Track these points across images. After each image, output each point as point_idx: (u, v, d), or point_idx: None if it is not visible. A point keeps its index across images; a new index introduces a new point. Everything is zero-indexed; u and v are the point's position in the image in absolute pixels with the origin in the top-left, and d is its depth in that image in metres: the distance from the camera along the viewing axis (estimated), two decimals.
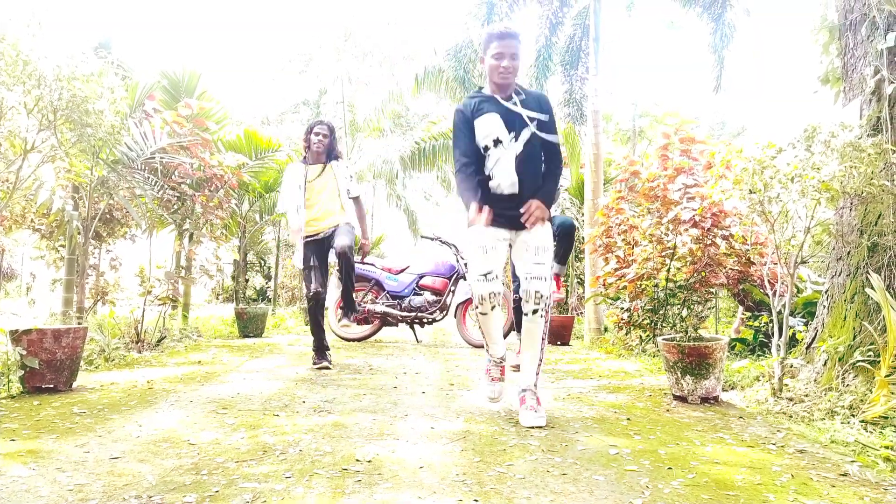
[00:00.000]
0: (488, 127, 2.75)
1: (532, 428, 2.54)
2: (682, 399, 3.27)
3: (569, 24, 9.93)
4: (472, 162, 2.79)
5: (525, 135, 2.76)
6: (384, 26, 20.32)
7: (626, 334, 5.69)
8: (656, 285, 5.04)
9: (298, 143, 13.53)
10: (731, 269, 4.88)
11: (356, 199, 4.60)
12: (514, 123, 2.75)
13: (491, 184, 2.77)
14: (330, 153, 4.47)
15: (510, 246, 2.85)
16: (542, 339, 2.70)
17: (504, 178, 2.74)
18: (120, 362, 4.32)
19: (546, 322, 2.67)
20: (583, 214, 8.64)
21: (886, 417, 2.53)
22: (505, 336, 6.06)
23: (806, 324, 4.36)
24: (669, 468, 2.04)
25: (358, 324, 4.85)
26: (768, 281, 3.57)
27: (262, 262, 14.81)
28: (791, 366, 3.29)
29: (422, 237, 6.99)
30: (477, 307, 2.70)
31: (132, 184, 5.01)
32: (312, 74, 20.55)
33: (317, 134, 4.40)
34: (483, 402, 3.12)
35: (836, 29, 3.79)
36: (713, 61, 9.34)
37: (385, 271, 6.69)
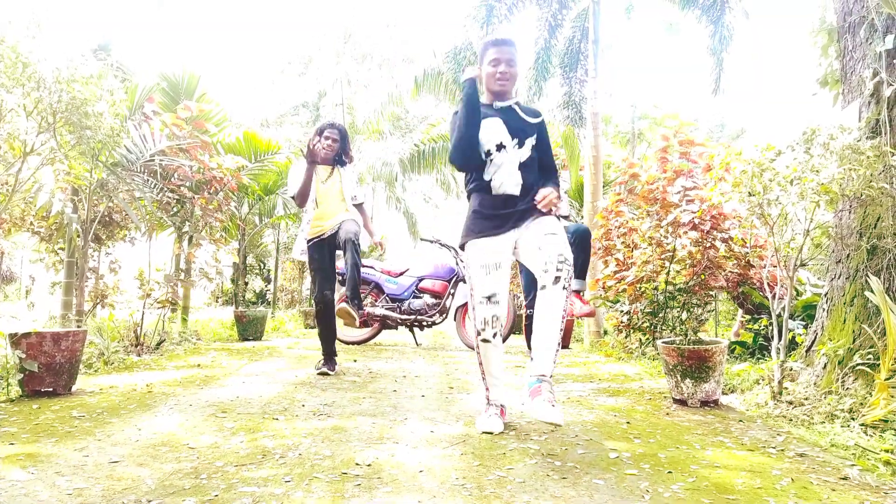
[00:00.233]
0: (491, 131, 2.67)
1: (549, 424, 2.26)
2: (681, 402, 3.27)
3: (568, 27, 9.94)
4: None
5: (529, 143, 2.69)
6: (383, 28, 20.35)
7: (626, 337, 5.68)
8: (656, 288, 5.04)
9: (298, 145, 13.54)
10: (730, 271, 4.87)
11: (360, 206, 4.48)
12: (518, 129, 2.68)
13: (493, 184, 2.67)
14: (339, 157, 4.30)
15: (515, 248, 2.67)
16: (563, 317, 2.38)
17: (507, 179, 2.64)
18: (119, 366, 4.31)
19: (568, 297, 2.38)
20: (582, 217, 8.64)
21: (886, 421, 2.53)
22: (504, 340, 6.07)
23: (805, 327, 4.36)
24: (669, 472, 2.04)
25: (357, 327, 4.81)
26: (768, 284, 3.57)
27: (262, 265, 14.81)
28: (791, 369, 3.29)
29: (421, 240, 6.98)
30: (479, 333, 2.62)
31: (131, 186, 5.00)
32: (312, 77, 20.60)
33: (326, 138, 4.18)
34: (483, 406, 3.12)
35: (835, 31, 3.80)
36: (712, 64, 9.35)
37: (384, 274, 6.69)
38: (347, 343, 6.48)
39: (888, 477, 2.01)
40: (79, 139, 3.89)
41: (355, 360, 5.06)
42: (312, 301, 4.34)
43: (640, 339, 5.43)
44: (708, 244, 4.61)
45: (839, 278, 3.34)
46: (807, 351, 3.45)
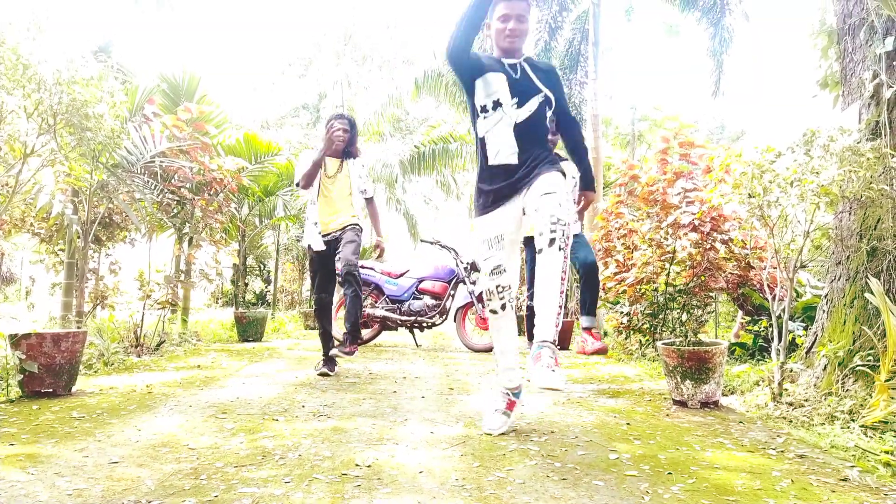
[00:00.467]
0: (492, 85, 2.53)
1: (548, 389, 2.08)
2: (681, 404, 3.27)
3: (568, 29, 9.95)
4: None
5: (532, 104, 2.54)
6: (384, 30, 20.36)
7: (626, 339, 5.68)
8: (656, 289, 5.04)
9: (298, 147, 13.55)
10: (730, 273, 4.88)
11: (370, 200, 4.49)
12: (520, 88, 2.54)
13: (488, 151, 2.57)
14: (348, 149, 4.30)
15: (524, 213, 2.55)
16: (562, 279, 2.28)
17: (502, 144, 2.53)
18: (119, 366, 4.31)
19: (566, 258, 2.27)
20: (582, 218, 8.63)
21: (886, 422, 2.52)
22: None
23: (805, 328, 4.36)
24: (669, 473, 2.03)
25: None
26: (768, 285, 3.57)
27: (262, 266, 14.80)
28: (791, 370, 3.29)
29: (421, 241, 6.98)
30: (487, 303, 2.55)
31: (132, 188, 5.01)
32: (312, 78, 20.60)
33: (337, 128, 4.20)
34: (483, 407, 3.12)
35: (835, 33, 3.80)
36: (712, 66, 9.38)
37: (385, 275, 6.69)
38: None
39: (888, 478, 2.01)
40: (79, 141, 3.90)
41: (353, 362, 5.06)
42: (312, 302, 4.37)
43: (640, 341, 5.43)
44: (708, 246, 4.61)
45: (839, 280, 3.34)
46: (807, 352, 3.45)
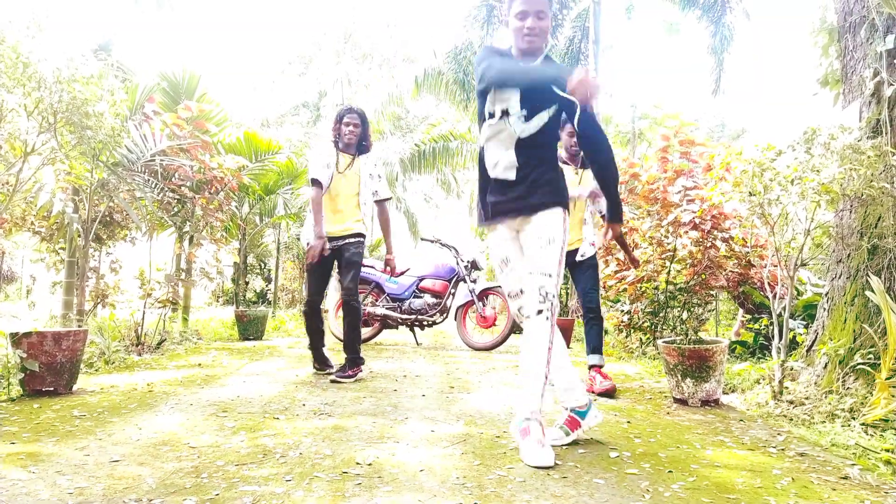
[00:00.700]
0: (505, 93, 2.33)
1: (539, 468, 2.04)
2: (682, 402, 3.27)
3: (568, 27, 9.95)
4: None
5: (541, 119, 2.32)
6: (384, 28, 20.36)
7: (627, 337, 5.69)
8: (656, 288, 5.04)
9: (298, 145, 13.54)
10: (731, 271, 4.88)
11: (381, 203, 4.30)
12: (532, 99, 2.30)
13: (486, 162, 2.41)
14: (361, 144, 4.15)
15: (518, 232, 2.44)
16: (548, 349, 2.22)
17: (501, 157, 2.36)
18: (120, 365, 4.32)
19: (552, 327, 2.22)
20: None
21: (887, 420, 2.53)
22: (501, 343, 6.08)
23: (806, 326, 4.36)
24: (670, 471, 2.04)
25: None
26: (768, 283, 3.57)
27: (263, 265, 14.81)
28: (791, 368, 3.29)
29: (422, 239, 6.97)
30: (518, 320, 2.44)
31: (132, 186, 5.01)
32: (312, 77, 20.61)
33: (347, 124, 4.03)
34: (484, 406, 3.12)
35: (836, 31, 3.80)
36: (712, 64, 9.37)
37: (385, 274, 6.68)
38: None
39: (889, 476, 2.01)
40: (79, 139, 3.90)
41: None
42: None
43: (641, 339, 5.43)
44: (708, 244, 4.62)
45: (840, 278, 3.34)
46: (807, 350, 3.45)
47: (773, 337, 3.30)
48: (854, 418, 2.65)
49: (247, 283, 11.93)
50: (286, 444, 2.31)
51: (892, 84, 3.09)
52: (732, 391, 3.57)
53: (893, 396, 2.57)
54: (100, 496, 1.71)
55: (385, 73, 19.27)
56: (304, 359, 5.00)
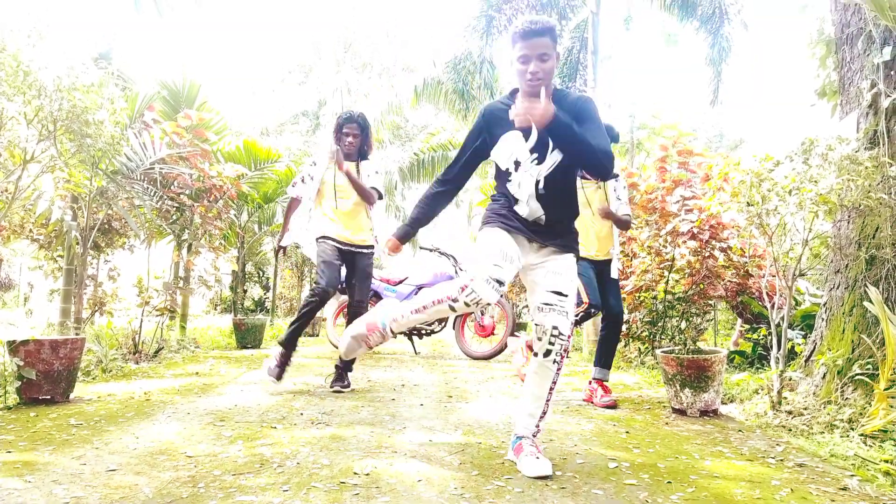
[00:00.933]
0: (510, 146, 2.28)
1: (539, 478, 2.05)
2: (681, 412, 3.26)
3: (567, 38, 10.02)
4: (446, 186, 2.50)
5: (553, 158, 2.23)
6: (383, 38, 20.46)
7: (625, 346, 5.68)
8: (655, 297, 5.04)
9: (297, 153, 13.56)
10: (729, 281, 4.89)
11: (373, 190, 4.17)
12: (539, 141, 2.23)
13: (516, 208, 2.32)
14: (361, 151, 4.10)
15: (525, 265, 2.34)
16: (552, 388, 2.24)
17: (524, 206, 2.28)
18: (117, 373, 4.30)
19: (560, 370, 2.23)
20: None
21: (886, 431, 2.52)
22: (500, 352, 6.06)
23: (805, 336, 4.36)
24: (668, 482, 2.03)
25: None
26: (767, 293, 3.57)
27: (261, 273, 14.79)
28: (790, 379, 3.28)
29: (420, 248, 6.98)
30: (457, 298, 2.17)
31: (131, 194, 5.01)
32: (312, 86, 20.68)
33: (346, 134, 4.00)
34: (482, 415, 3.11)
35: (833, 43, 3.83)
36: (710, 74, 9.41)
37: (383, 282, 6.68)
38: None
39: (888, 487, 2.01)
40: (79, 147, 3.90)
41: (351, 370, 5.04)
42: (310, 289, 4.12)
43: (639, 349, 5.43)
44: (707, 253, 4.62)
45: (838, 288, 3.35)
46: (806, 361, 3.45)
47: (771, 347, 3.30)
48: (853, 429, 2.64)
49: (245, 292, 11.90)
50: (283, 453, 2.30)
51: (888, 95, 3.11)
52: (731, 401, 3.56)
53: (892, 407, 2.56)
54: None
55: (385, 82, 19.34)
56: (302, 367, 4.99)
